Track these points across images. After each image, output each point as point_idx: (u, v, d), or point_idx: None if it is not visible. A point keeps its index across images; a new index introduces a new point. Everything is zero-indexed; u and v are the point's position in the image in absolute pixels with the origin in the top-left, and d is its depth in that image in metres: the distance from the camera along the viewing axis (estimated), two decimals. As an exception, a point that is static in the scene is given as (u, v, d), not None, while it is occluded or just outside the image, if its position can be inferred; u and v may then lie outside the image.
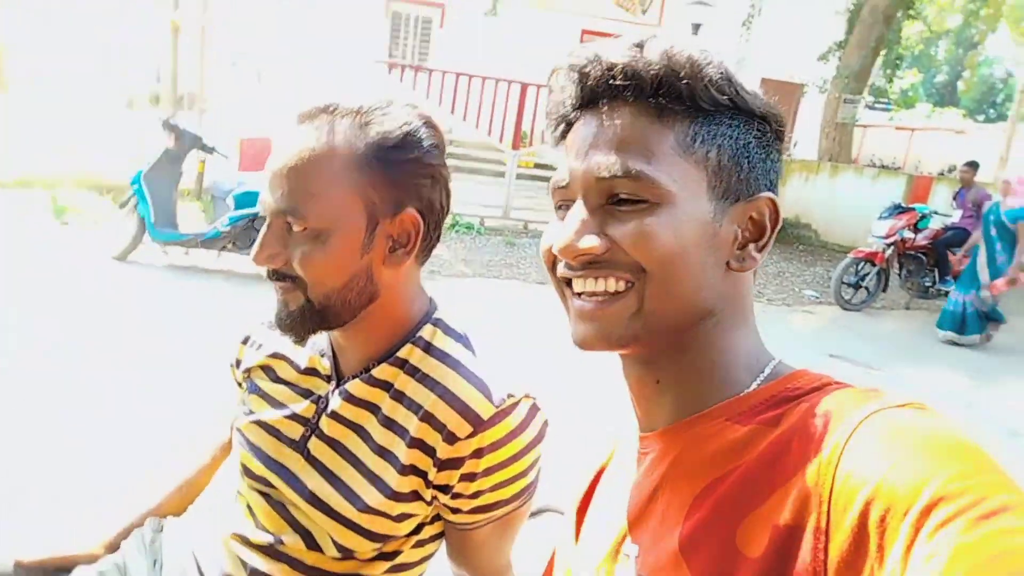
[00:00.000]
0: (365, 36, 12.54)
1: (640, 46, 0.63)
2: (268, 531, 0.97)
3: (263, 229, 0.90)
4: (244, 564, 0.96)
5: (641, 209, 0.61)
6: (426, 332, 0.97)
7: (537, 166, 11.50)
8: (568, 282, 0.66)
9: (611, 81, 0.62)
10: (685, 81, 0.61)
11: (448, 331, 0.98)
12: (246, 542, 0.98)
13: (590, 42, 0.65)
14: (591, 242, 0.62)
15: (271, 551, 0.96)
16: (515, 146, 10.27)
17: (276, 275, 0.92)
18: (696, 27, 11.73)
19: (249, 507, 1.00)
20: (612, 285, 0.63)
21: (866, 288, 7.47)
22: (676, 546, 0.60)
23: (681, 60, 0.61)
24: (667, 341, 0.65)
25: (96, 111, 8.53)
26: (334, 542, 0.94)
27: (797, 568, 0.52)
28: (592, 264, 0.63)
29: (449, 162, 0.98)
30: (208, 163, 7.15)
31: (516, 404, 0.92)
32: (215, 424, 1.24)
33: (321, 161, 0.87)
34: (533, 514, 1.28)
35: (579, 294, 0.65)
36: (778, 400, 0.61)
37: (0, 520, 1.08)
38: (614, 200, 0.62)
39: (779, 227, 0.65)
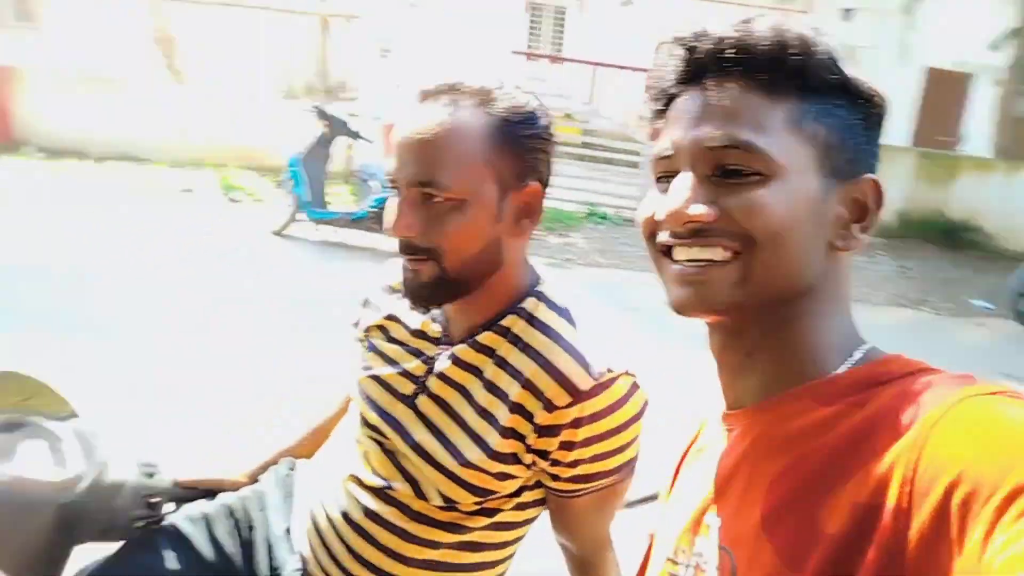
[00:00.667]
0: (504, 26, 12.76)
1: (748, 22, 0.63)
2: (381, 476, 1.07)
3: (397, 201, 0.96)
4: (359, 503, 1.07)
5: (752, 181, 0.61)
6: (529, 304, 1.03)
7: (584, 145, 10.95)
8: (668, 251, 0.66)
9: (722, 55, 0.63)
10: (797, 58, 0.61)
11: (551, 305, 1.04)
12: (361, 484, 1.08)
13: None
14: (701, 209, 0.62)
15: (383, 495, 1.06)
16: (652, 137, 10.12)
17: (410, 248, 0.97)
18: (847, 12, 11.03)
19: (365, 453, 1.10)
20: (719, 254, 0.62)
21: None
22: (758, 520, 0.61)
23: (792, 37, 0.62)
24: (764, 313, 0.65)
25: (258, 100, 9.24)
26: (439, 492, 1.02)
27: (875, 547, 0.52)
28: (699, 232, 0.63)
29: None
30: (355, 147, 7.61)
31: (615, 379, 0.96)
32: (342, 378, 1.37)
33: (456, 134, 0.94)
34: (643, 501, 1.31)
35: (680, 261, 0.65)
36: (868, 383, 0.61)
37: (164, 446, 1.27)
38: (722, 172, 0.62)
39: (882, 210, 0.65)
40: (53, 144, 8.20)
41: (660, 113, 0.69)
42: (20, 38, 10.10)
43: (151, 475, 1.22)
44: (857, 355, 0.64)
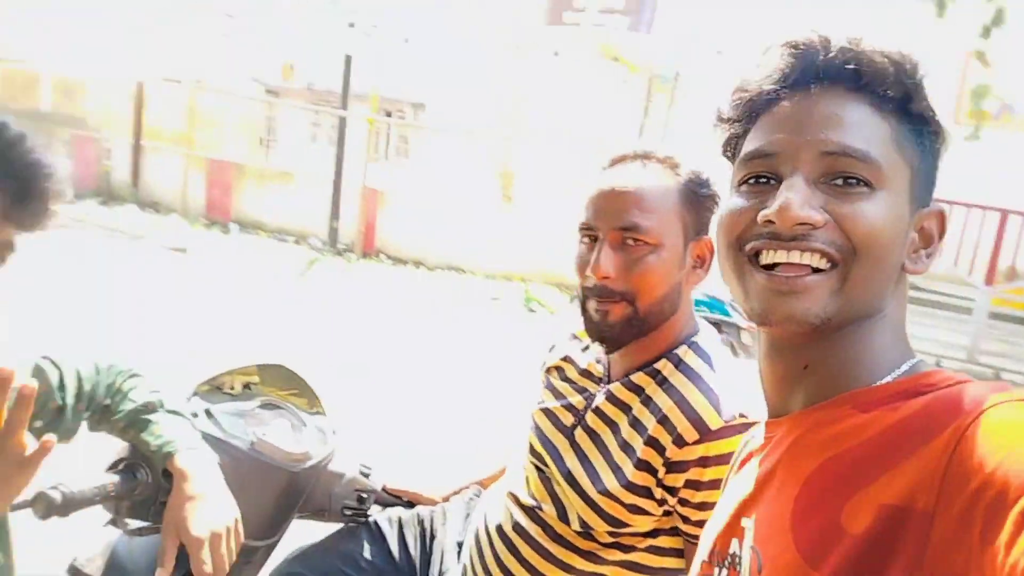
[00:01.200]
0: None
1: (859, 40, 0.63)
2: (534, 498, 1.17)
3: (599, 247, 1.07)
4: (512, 518, 1.18)
5: (859, 192, 0.61)
6: (680, 350, 1.09)
7: None
8: (754, 256, 0.64)
9: (841, 64, 0.62)
10: (911, 81, 0.62)
11: (698, 351, 1.08)
12: (517, 501, 1.19)
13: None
14: (813, 213, 0.60)
15: (532, 513, 1.16)
16: (989, 281, 8.90)
17: (605, 291, 1.08)
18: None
19: (526, 477, 1.21)
20: (817, 261, 0.61)
21: None
22: (787, 520, 0.61)
23: (911, 61, 0.63)
24: (838, 329, 0.63)
25: (567, 221, 10.12)
26: (579, 517, 1.09)
27: (897, 548, 0.52)
28: (803, 237, 0.61)
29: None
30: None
31: (748, 425, 0.97)
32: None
33: (653, 188, 1.08)
34: None
35: (771, 267, 0.63)
36: (908, 393, 0.60)
37: (376, 461, 1.52)
38: (831, 178, 0.62)
39: (944, 240, 0.66)
40: (400, 254, 9.83)
41: (751, 117, 0.67)
42: (392, 169, 12.44)
43: (366, 475, 1.46)
44: (904, 367, 0.64)
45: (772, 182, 0.63)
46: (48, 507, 0.94)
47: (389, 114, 12.50)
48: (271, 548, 1.33)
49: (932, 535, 0.50)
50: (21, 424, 0.78)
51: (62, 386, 1.01)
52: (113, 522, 1.13)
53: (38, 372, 0.99)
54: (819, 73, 0.63)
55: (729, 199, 0.67)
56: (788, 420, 0.68)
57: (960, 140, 11.21)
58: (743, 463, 0.76)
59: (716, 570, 0.71)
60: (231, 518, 1.06)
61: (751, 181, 0.66)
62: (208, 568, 1.00)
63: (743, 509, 0.69)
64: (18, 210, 0.78)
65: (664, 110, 10.13)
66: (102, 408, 1.06)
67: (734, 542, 0.69)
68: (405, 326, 6.68)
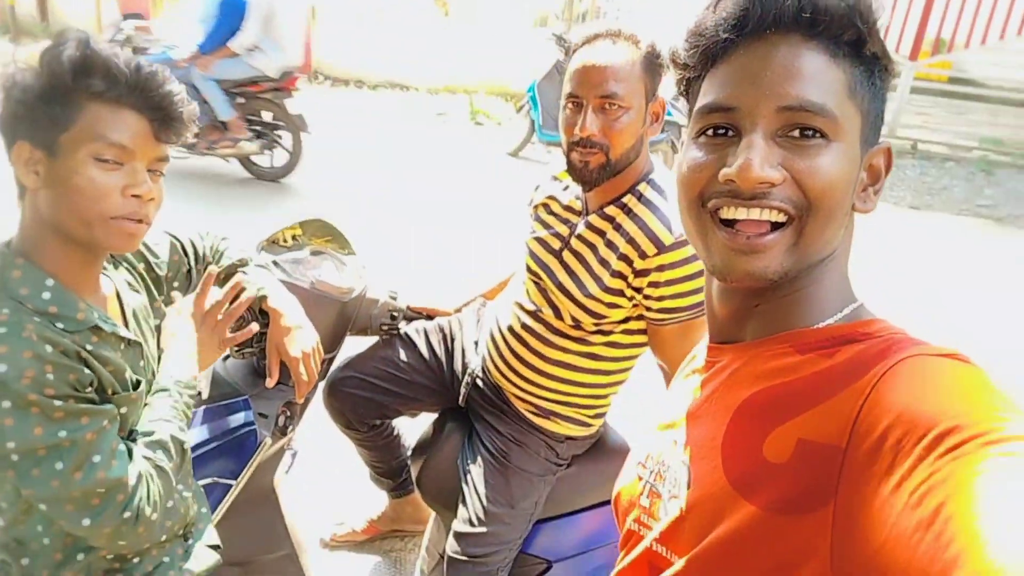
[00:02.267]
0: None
1: None
2: (535, 303, 1.56)
3: (584, 112, 1.36)
4: (519, 320, 1.58)
5: (816, 144, 0.61)
6: (641, 186, 1.44)
7: (954, 80, 9.63)
8: (715, 212, 0.65)
9: (800, 11, 0.61)
10: (864, 25, 0.61)
11: (654, 186, 1.43)
12: (522, 308, 1.59)
13: None
14: (772, 172, 0.61)
15: (534, 315, 1.56)
16: (913, 56, 9.21)
17: (587, 143, 1.38)
18: None
19: (526, 289, 1.60)
20: (775, 216, 0.62)
21: None
22: (717, 443, 0.66)
23: (864, 3, 0.61)
24: (799, 273, 0.66)
25: (509, 30, 9.91)
26: (571, 315, 1.49)
27: (812, 480, 0.56)
28: (761, 195, 0.62)
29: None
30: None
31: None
32: (517, 250, 1.88)
33: (626, 64, 1.36)
34: None
35: (731, 223, 0.64)
36: (843, 339, 0.63)
37: (402, 283, 1.89)
38: (789, 130, 0.62)
39: (889, 174, 0.68)
40: (339, 74, 9.60)
41: (706, 63, 0.67)
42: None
43: (395, 298, 1.83)
44: (846, 311, 0.67)
45: (731, 134, 0.64)
46: None
47: (305, -84, 11.48)
48: (333, 359, 1.72)
49: (844, 470, 0.54)
50: (228, 315, 1.25)
51: (186, 254, 1.32)
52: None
53: (172, 247, 1.29)
54: (775, 20, 0.62)
55: (687, 150, 0.68)
56: (731, 350, 0.72)
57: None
58: (687, 376, 0.82)
59: (647, 473, 0.77)
60: (315, 340, 1.41)
61: (709, 132, 0.66)
62: (305, 377, 1.37)
63: (678, 424, 0.75)
64: (165, 132, 0.99)
65: None
66: (208, 266, 1.37)
67: (666, 451, 0.75)
68: (355, 147, 6.80)
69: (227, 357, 1.60)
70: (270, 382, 1.40)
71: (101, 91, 0.93)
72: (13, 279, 0.95)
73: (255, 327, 1.31)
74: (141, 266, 1.21)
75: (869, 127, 0.65)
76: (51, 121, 0.92)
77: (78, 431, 0.93)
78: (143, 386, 1.08)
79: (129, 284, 1.16)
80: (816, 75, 0.61)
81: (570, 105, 1.41)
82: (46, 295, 0.96)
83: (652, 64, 1.38)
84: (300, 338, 1.37)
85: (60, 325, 0.96)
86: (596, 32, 1.40)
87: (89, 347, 0.98)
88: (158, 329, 1.20)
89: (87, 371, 0.95)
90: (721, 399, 0.70)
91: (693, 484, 0.67)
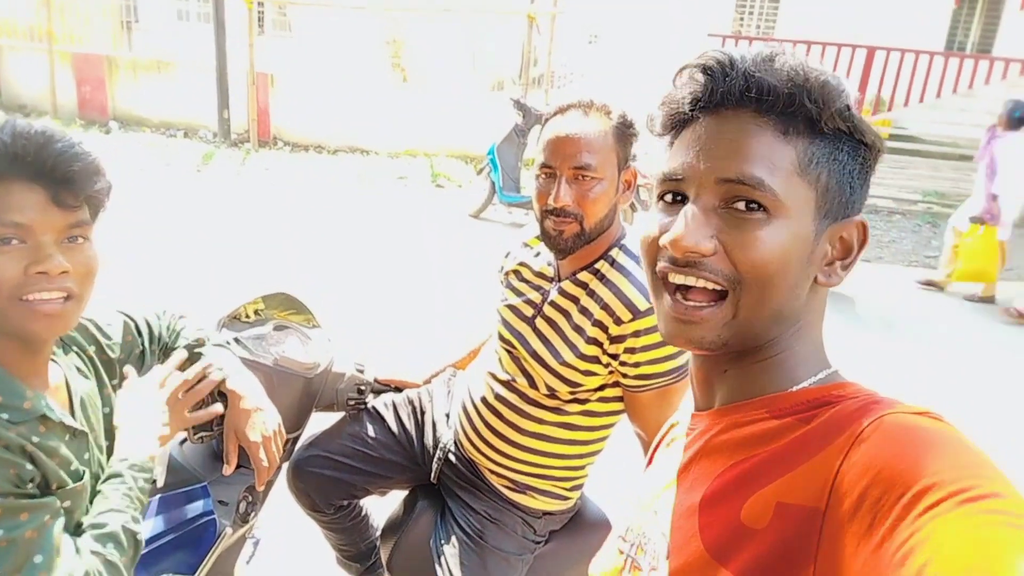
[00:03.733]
0: (710, 8, 12.65)
1: (771, 60, 0.65)
2: (508, 373, 1.52)
3: (558, 183, 1.35)
4: (492, 391, 1.53)
5: (754, 218, 0.63)
6: (614, 252, 1.43)
7: (894, 137, 9.88)
8: (665, 277, 0.68)
9: (744, 89, 0.64)
10: (815, 104, 0.63)
11: (626, 251, 1.42)
12: (495, 378, 1.54)
13: (717, 46, 0.76)
14: (703, 243, 0.63)
15: (508, 385, 1.51)
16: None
17: (562, 213, 1.37)
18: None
19: (499, 358, 1.56)
20: (708, 285, 0.65)
21: None
22: (696, 513, 0.66)
23: (815, 82, 0.63)
24: (748, 345, 0.68)
25: (467, 95, 10.10)
26: (545, 383, 1.45)
27: (792, 543, 0.56)
28: (694, 264, 0.65)
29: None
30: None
31: None
32: (488, 317, 1.84)
33: (599, 135, 1.36)
34: None
35: (676, 289, 0.67)
36: (819, 403, 0.63)
37: (368, 355, 1.84)
38: (731, 202, 0.64)
39: (864, 249, 0.68)
40: (298, 139, 9.62)
41: (675, 131, 0.70)
42: (275, 48, 11.82)
43: (361, 371, 1.77)
44: (820, 375, 0.68)
45: (683, 200, 0.68)
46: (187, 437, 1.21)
47: (263, -13, 11.70)
48: (298, 438, 1.65)
49: (824, 531, 0.54)
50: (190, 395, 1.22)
51: (140, 334, 1.25)
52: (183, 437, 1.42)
53: (126, 327, 1.22)
54: (723, 97, 0.65)
55: (651, 212, 0.72)
56: (709, 415, 0.72)
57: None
58: (669, 444, 0.83)
59: (628, 547, 0.77)
60: (277, 423, 1.34)
61: (667, 198, 0.69)
62: (265, 463, 1.30)
63: (659, 494, 0.75)
64: (64, 197, 0.91)
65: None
66: (163, 346, 1.31)
67: (647, 524, 0.75)
68: (318, 213, 6.77)
69: (183, 441, 1.52)
70: (227, 469, 1.32)
71: None
72: None
73: (219, 408, 1.24)
74: (92, 349, 1.15)
75: (831, 202, 0.65)
76: None
77: (16, 529, 0.86)
78: (87, 478, 1.01)
79: (78, 369, 1.10)
80: (760, 151, 0.63)
81: (543, 175, 1.40)
82: None
83: (624, 133, 1.39)
84: (260, 421, 1.31)
85: (5, 416, 0.90)
86: (568, 103, 1.40)
87: (35, 439, 0.92)
88: (107, 417, 1.13)
89: (29, 466, 0.89)
90: (699, 468, 0.70)
91: (672, 554, 0.67)
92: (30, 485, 0.89)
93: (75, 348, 1.12)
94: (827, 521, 0.54)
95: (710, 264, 0.64)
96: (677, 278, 0.66)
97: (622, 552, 0.77)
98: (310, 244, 5.77)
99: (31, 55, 9.92)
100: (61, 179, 0.90)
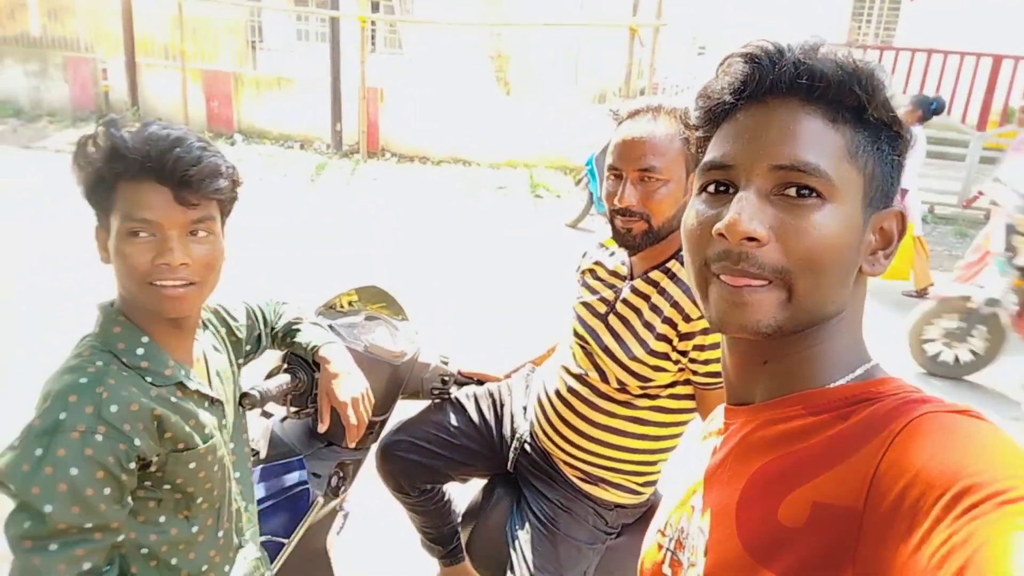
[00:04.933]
0: (828, 15, 12.23)
1: (818, 48, 0.65)
2: (581, 367, 1.58)
3: (624, 183, 1.42)
4: (566, 384, 1.60)
5: (809, 204, 0.63)
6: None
7: None
8: (718, 275, 0.66)
9: (797, 78, 0.64)
10: (864, 93, 0.63)
11: None
12: (568, 372, 1.61)
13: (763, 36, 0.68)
14: (758, 227, 0.63)
15: (581, 379, 1.57)
16: (981, 126, 9.05)
17: (628, 212, 1.44)
18: None
19: (573, 353, 1.62)
20: (754, 281, 0.64)
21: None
22: (732, 509, 0.66)
23: (864, 71, 0.64)
24: (798, 330, 0.66)
25: (567, 107, 10.20)
26: (616, 378, 1.50)
27: (830, 544, 0.55)
28: (745, 258, 0.63)
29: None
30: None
31: None
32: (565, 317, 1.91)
33: (665, 138, 1.42)
34: None
35: (724, 279, 0.65)
36: (857, 399, 0.62)
37: (453, 349, 1.94)
38: (783, 189, 0.64)
39: (903, 239, 0.68)
40: (405, 150, 10.02)
41: (713, 123, 0.71)
42: (386, 64, 12.35)
43: (446, 363, 1.87)
44: (859, 371, 0.67)
45: (730, 190, 0.67)
46: (252, 402, 1.35)
47: (376, 6, 12.26)
48: (385, 422, 1.77)
49: (863, 531, 0.53)
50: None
51: (257, 319, 1.41)
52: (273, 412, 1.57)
53: (248, 312, 1.38)
54: (773, 85, 0.65)
55: (692, 204, 0.71)
56: (745, 412, 0.72)
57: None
58: (705, 438, 0.83)
59: (667, 540, 0.77)
60: (364, 387, 1.44)
61: (711, 188, 0.69)
62: (354, 421, 1.39)
63: (696, 489, 0.75)
64: (185, 196, 1.02)
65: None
66: (272, 328, 1.46)
67: (684, 517, 0.75)
68: (420, 220, 7.03)
69: (284, 418, 1.67)
70: (322, 427, 1.43)
71: (121, 171, 1.01)
72: (113, 334, 1.06)
73: (286, 377, 1.43)
74: (223, 330, 1.31)
75: (875, 190, 0.66)
76: (100, 203, 1.04)
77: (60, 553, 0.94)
78: (218, 445, 1.14)
79: (214, 347, 1.25)
80: (811, 137, 0.63)
81: (612, 176, 1.46)
82: (140, 351, 1.06)
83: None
84: (348, 383, 1.41)
85: (149, 379, 1.04)
86: (638, 107, 1.46)
87: (173, 400, 1.06)
88: (236, 392, 1.28)
89: (137, 443, 0.99)
90: (736, 464, 0.69)
91: (710, 551, 0.67)
92: (132, 465, 1.00)
93: (211, 327, 1.27)
94: (865, 521, 0.53)
95: (759, 257, 0.63)
96: (729, 267, 0.64)
97: (661, 547, 0.78)
98: (411, 249, 6.02)
99: (166, 72, 10.84)
100: (182, 180, 1.02)
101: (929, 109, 5.67)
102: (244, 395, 1.34)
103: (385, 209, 6.91)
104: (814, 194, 0.63)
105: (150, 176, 1.01)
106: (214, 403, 1.16)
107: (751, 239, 0.63)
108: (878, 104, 0.64)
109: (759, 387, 0.71)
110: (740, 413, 0.72)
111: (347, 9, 10.24)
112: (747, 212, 0.63)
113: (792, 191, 0.63)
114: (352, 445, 1.45)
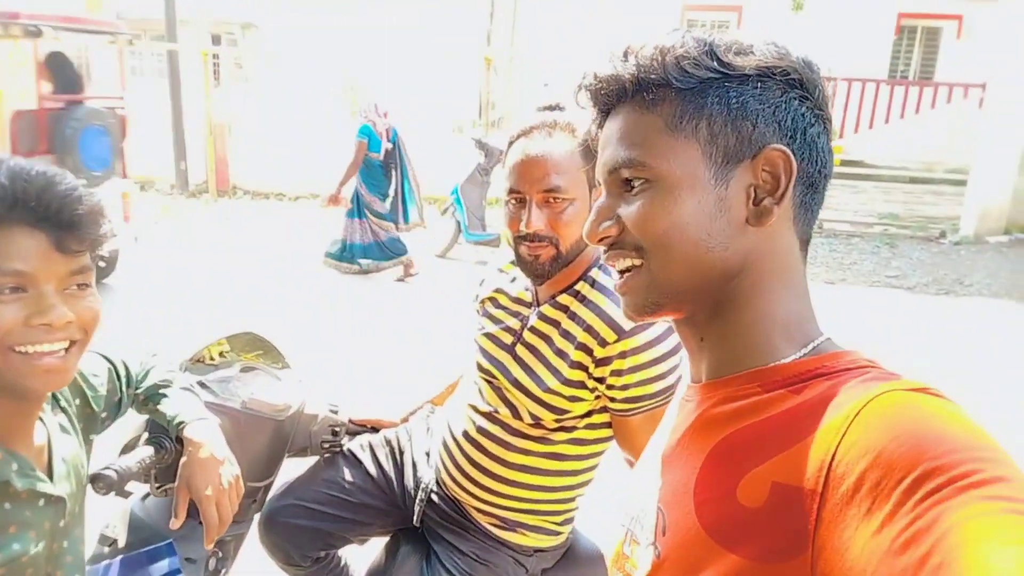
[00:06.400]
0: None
1: (626, 52, 0.68)
2: (490, 404, 1.45)
3: (528, 207, 1.31)
4: (474, 423, 1.46)
5: (640, 189, 0.67)
6: (593, 272, 1.38)
7: (846, 163, 10.15)
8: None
9: (602, 92, 0.70)
10: (654, 73, 0.66)
11: (605, 270, 1.37)
12: (476, 410, 1.47)
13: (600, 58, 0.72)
14: (607, 227, 0.70)
15: (490, 417, 1.44)
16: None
17: (535, 238, 1.33)
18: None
19: (479, 389, 1.49)
20: (627, 262, 0.69)
21: None
22: (690, 488, 0.66)
23: (647, 54, 0.66)
24: (701, 302, 0.68)
25: (427, 137, 10.14)
26: (529, 413, 1.38)
27: (789, 526, 0.55)
28: (612, 245, 0.70)
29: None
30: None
31: (652, 322, 1.28)
32: (464, 350, 1.78)
33: (565, 155, 1.32)
34: None
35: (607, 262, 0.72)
36: (812, 375, 0.62)
37: (341, 395, 1.75)
38: (622, 187, 0.69)
39: (794, 175, 0.65)
40: (258, 188, 9.53)
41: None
42: (231, 97, 11.76)
43: (335, 412, 1.68)
44: (810, 346, 0.67)
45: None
46: (108, 485, 1.11)
47: (218, 39, 11.71)
48: (269, 486, 1.55)
49: (822, 513, 0.53)
50: None
51: (119, 379, 1.16)
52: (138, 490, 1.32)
53: (109, 374, 1.13)
54: (608, 102, 0.71)
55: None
56: (701, 389, 0.72)
57: (788, 13, 11.97)
58: (666, 417, 0.84)
59: (629, 520, 0.76)
60: (232, 476, 1.23)
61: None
62: (214, 519, 1.19)
63: (657, 467, 0.74)
64: (68, 242, 0.85)
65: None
66: (136, 387, 1.22)
67: (644, 496, 0.74)
68: (279, 259, 6.66)
69: (145, 496, 1.42)
70: (174, 523, 1.21)
71: None
72: None
73: (148, 451, 1.20)
74: (77, 402, 1.07)
75: (723, 146, 0.65)
76: None
77: None
78: (38, 549, 0.91)
79: (61, 427, 1.02)
80: (631, 130, 0.68)
81: (513, 200, 1.35)
82: None
83: (591, 152, 1.34)
84: (215, 473, 1.20)
85: None
86: (531, 124, 1.37)
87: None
88: (91, 477, 1.07)
89: None
90: (693, 443, 0.69)
91: (668, 530, 0.67)
92: None
93: (63, 401, 1.04)
94: (824, 503, 0.53)
95: (621, 240, 0.69)
96: (611, 261, 0.72)
97: (623, 526, 0.77)
98: (274, 291, 5.66)
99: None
100: (66, 223, 0.85)
101: None
102: (97, 477, 1.11)
103: (240, 250, 6.49)
104: (639, 181, 0.67)
105: (23, 220, 0.83)
106: (52, 500, 0.93)
107: (606, 237, 0.70)
108: (680, 72, 0.65)
109: (703, 364, 0.72)
110: (696, 391, 0.72)
111: (186, 42, 9.68)
112: (594, 218, 0.71)
113: (625, 185, 0.69)
114: (209, 547, 1.24)
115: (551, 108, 1.37)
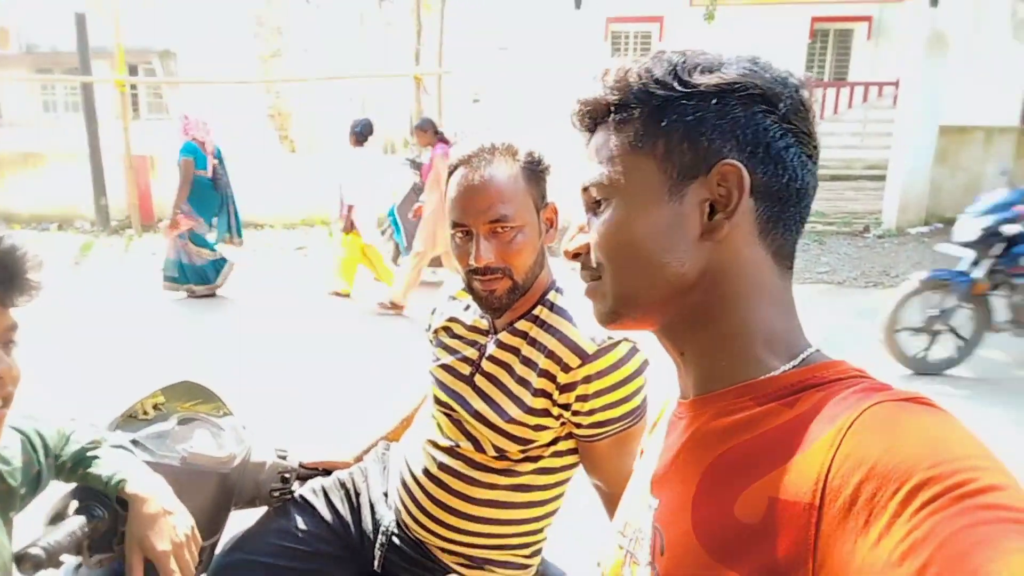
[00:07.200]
0: (583, 57, 13.14)
1: (604, 75, 0.71)
2: (450, 438, 1.39)
3: (476, 240, 1.25)
4: (434, 460, 1.39)
5: (607, 206, 0.69)
6: (551, 296, 1.34)
7: None
8: None
9: (583, 115, 0.73)
10: (622, 94, 0.68)
11: (563, 293, 1.33)
12: (436, 445, 1.40)
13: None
14: (577, 243, 0.74)
15: (452, 452, 1.38)
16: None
17: (487, 271, 1.27)
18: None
19: (438, 423, 1.42)
20: (587, 274, 0.73)
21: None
22: (686, 505, 0.65)
23: (618, 77, 0.69)
24: (667, 314, 0.70)
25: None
26: (493, 445, 1.32)
27: (789, 539, 0.54)
28: (583, 266, 0.74)
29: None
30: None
31: (615, 344, 1.24)
32: (419, 380, 1.70)
33: (508, 181, 1.26)
34: None
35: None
36: (803, 386, 0.62)
37: (292, 438, 1.65)
38: (593, 208, 0.72)
39: (745, 192, 0.64)
40: (186, 219, 9.20)
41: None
42: (155, 129, 11.38)
43: (284, 457, 1.58)
44: (800, 358, 0.66)
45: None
46: (36, 564, 1.00)
47: (135, 70, 11.30)
48: (215, 545, 1.44)
49: (821, 528, 0.53)
50: None
51: (35, 450, 1.06)
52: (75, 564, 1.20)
53: (24, 446, 1.03)
54: (588, 122, 0.74)
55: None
56: (691, 404, 0.71)
57: (702, 23, 12.31)
58: (655, 432, 0.82)
59: (627, 541, 0.75)
60: (188, 526, 1.16)
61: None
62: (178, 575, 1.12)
63: (650, 486, 0.74)
64: (9, 296, 0.83)
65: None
66: (56, 457, 1.11)
67: (641, 516, 0.73)
68: (216, 297, 6.42)
69: (78, 567, 1.30)
70: None
71: None
72: None
73: (78, 520, 1.07)
74: None
75: (678, 161, 0.66)
76: None
77: None
78: None
79: None
80: (600, 152, 0.70)
81: (459, 234, 1.29)
82: None
83: (534, 172, 1.30)
84: (169, 526, 1.12)
85: None
86: (469, 151, 1.31)
87: None
88: (16, 558, 0.98)
89: None
90: (688, 460, 0.69)
91: (667, 549, 0.66)
92: None
93: None
94: (822, 517, 0.53)
95: (588, 256, 0.73)
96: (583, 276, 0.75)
97: (622, 547, 0.76)
98: (207, 330, 5.44)
99: None
100: (8, 276, 0.82)
101: (355, 133, 6.33)
102: (23, 557, 1.00)
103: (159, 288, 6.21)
104: (603, 199, 0.70)
105: None
106: None
107: (578, 254, 0.74)
108: (638, 93, 0.67)
109: (690, 379, 0.72)
110: (687, 407, 0.72)
111: (101, 74, 9.31)
112: (571, 235, 0.77)
113: (595, 203, 0.71)
114: None
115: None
